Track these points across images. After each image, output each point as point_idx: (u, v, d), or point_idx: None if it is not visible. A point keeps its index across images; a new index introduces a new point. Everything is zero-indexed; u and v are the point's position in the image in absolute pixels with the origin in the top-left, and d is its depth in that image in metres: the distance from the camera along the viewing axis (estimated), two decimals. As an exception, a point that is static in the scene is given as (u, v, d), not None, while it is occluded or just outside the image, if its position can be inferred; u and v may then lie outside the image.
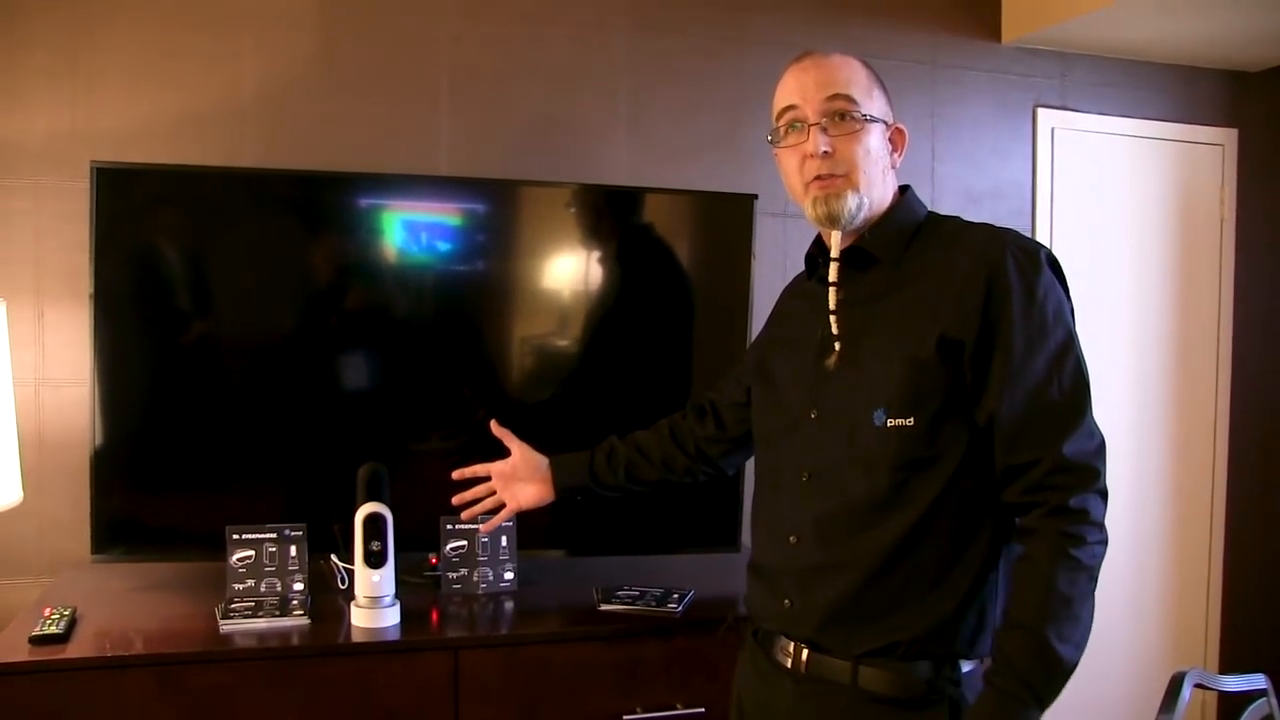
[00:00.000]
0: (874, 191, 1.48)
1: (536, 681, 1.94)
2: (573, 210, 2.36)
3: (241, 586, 2.06)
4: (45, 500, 2.32)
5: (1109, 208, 3.20)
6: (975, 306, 1.38)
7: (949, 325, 1.39)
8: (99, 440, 2.12)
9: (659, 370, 2.42)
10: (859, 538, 1.43)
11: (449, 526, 2.15)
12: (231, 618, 1.92)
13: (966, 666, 1.43)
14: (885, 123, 1.50)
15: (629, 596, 2.10)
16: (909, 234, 1.50)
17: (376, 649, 1.89)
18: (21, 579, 2.33)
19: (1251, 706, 1.93)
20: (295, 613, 1.96)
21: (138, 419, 2.17)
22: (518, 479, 1.90)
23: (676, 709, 1.99)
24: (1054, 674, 1.31)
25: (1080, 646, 1.32)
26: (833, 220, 1.46)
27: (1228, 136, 3.31)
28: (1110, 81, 3.16)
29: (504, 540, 2.18)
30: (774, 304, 1.77)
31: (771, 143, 1.54)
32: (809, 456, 1.50)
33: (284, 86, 2.46)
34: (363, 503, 1.96)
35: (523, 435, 1.92)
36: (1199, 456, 3.36)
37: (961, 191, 3.00)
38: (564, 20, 2.65)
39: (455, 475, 1.92)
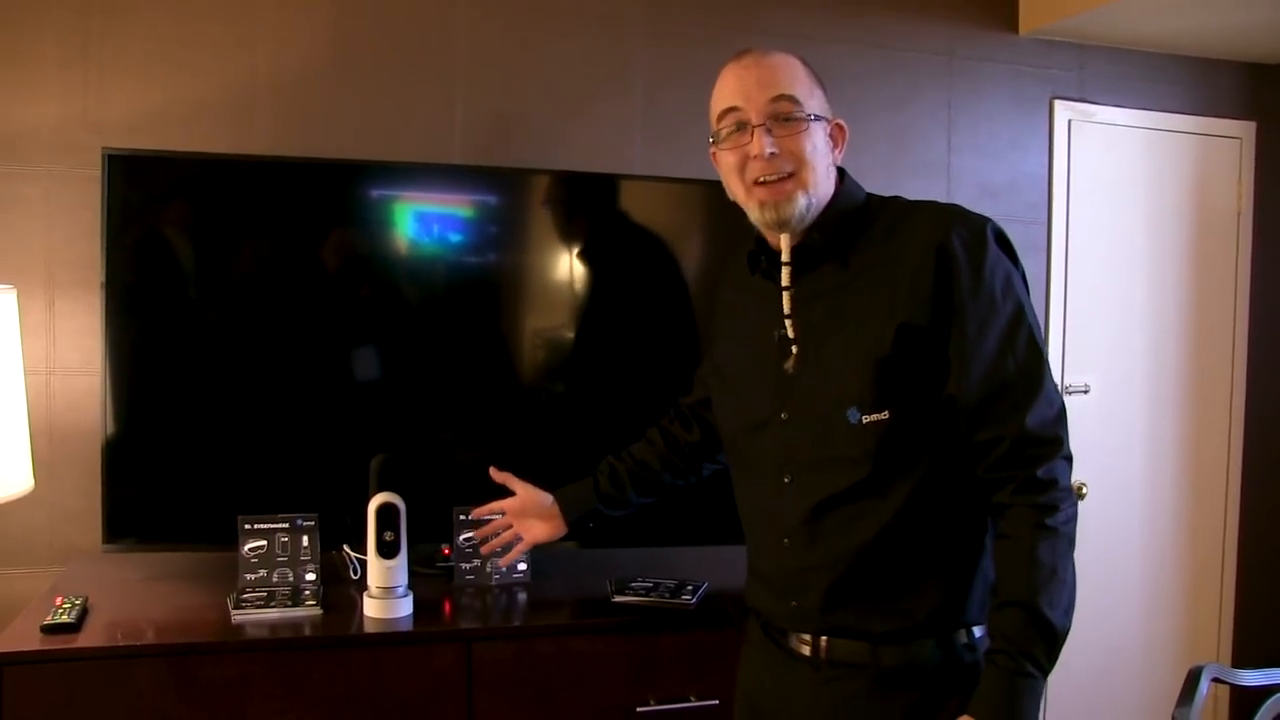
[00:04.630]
0: (820, 190, 1.48)
1: (549, 673, 1.93)
2: (580, 202, 2.34)
3: (253, 576, 2.05)
4: (56, 489, 2.31)
5: (1125, 200, 3.18)
6: (926, 293, 1.40)
7: (908, 314, 1.40)
8: (110, 429, 2.11)
9: (673, 362, 2.39)
10: (850, 530, 1.45)
11: (461, 517, 2.13)
12: (243, 608, 1.91)
13: (979, 632, 1.47)
14: (826, 119, 1.50)
15: (643, 588, 2.09)
16: (852, 221, 1.50)
17: (389, 640, 1.88)
18: (33, 568, 2.32)
19: (1270, 700, 1.92)
20: (307, 603, 1.95)
21: (149, 408, 2.16)
22: (528, 515, 1.94)
23: (690, 701, 1.97)
24: (1052, 641, 1.34)
25: (1069, 610, 1.36)
26: (782, 224, 1.47)
27: (1245, 129, 3.28)
28: (1127, 73, 3.14)
29: (517, 531, 2.17)
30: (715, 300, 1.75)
31: (712, 143, 1.54)
32: (788, 459, 1.50)
33: (297, 74, 2.45)
34: (375, 493, 1.95)
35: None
36: (1213, 450, 3.34)
37: (978, 184, 2.98)
38: (579, 9, 2.64)
39: (472, 514, 1.99)
